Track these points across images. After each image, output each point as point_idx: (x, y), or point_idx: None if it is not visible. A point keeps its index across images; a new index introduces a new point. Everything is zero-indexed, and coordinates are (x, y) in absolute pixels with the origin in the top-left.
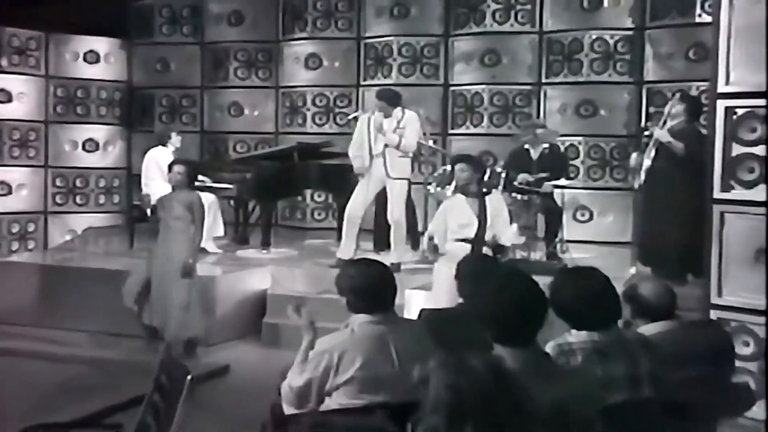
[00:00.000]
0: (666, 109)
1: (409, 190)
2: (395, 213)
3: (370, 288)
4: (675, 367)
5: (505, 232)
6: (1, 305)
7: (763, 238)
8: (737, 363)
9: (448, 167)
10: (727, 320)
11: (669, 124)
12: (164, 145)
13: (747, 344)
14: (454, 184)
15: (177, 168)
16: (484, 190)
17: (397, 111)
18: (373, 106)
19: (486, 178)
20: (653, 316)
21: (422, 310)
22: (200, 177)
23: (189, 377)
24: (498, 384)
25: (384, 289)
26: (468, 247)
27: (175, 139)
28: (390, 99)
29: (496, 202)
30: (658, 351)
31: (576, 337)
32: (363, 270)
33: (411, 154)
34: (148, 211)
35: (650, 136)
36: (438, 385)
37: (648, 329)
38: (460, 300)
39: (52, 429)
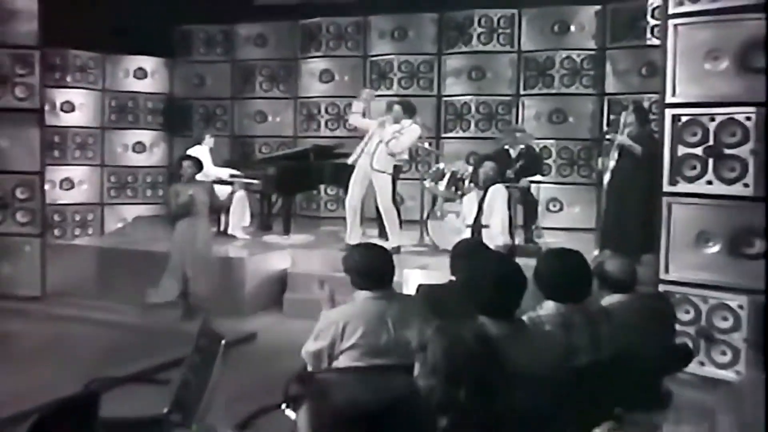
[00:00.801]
0: (621, 119)
1: (394, 184)
2: (383, 202)
3: (371, 268)
4: (629, 331)
5: (495, 224)
6: (67, 281)
7: (702, 224)
8: (678, 327)
9: (441, 165)
10: (673, 293)
11: (626, 130)
12: (200, 144)
13: (688, 312)
14: (447, 179)
15: (186, 163)
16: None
17: (405, 121)
18: (391, 112)
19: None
20: (616, 289)
21: (419, 285)
22: (232, 173)
23: (223, 341)
24: (484, 348)
25: (383, 269)
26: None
27: (209, 140)
28: (407, 109)
29: (495, 194)
30: (616, 318)
31: (545, 310)
32: (364, 252)
33: (396, 156)
34: None
35: (611, 140)
36: (435, 350)
37: (610, 300)
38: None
39: (112, 381)
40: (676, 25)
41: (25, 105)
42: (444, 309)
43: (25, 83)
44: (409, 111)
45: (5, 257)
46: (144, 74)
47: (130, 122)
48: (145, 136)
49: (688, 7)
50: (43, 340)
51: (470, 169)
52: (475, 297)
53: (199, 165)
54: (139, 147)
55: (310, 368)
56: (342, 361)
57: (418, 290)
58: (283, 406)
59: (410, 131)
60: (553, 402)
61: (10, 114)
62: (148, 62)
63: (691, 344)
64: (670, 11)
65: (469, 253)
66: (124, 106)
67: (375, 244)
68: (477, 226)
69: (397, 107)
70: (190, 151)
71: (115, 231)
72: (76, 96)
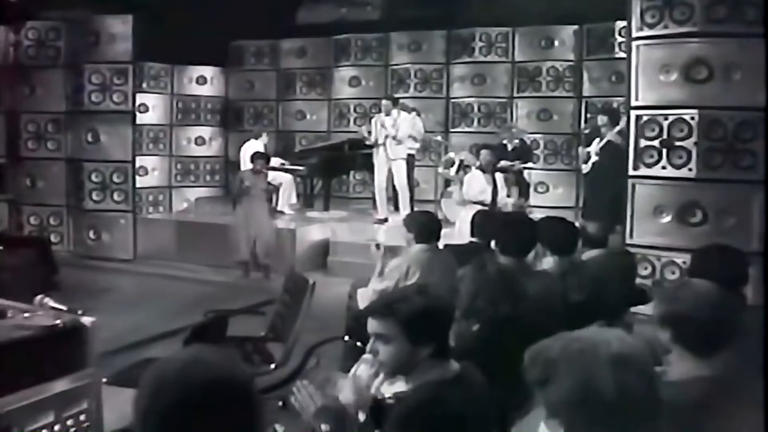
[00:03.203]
0: (598, 121)
1: (408, 167)
2: (399, 182)
3: (427, 228)
4: (603, 276)
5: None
6: (152, 247)
7: (658, 200)
8: (639, 279)
9: (452, 154)
10: (635, 253)
11: (603, 129)
12: (257, 139)
13: (646, 268)
14: (456, 165)
15: (259, 162)
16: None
17: (395, 112)
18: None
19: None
20: (593, 246)
21: (446, 245)
22: (281, 161)
23: (312, 282)
24: (502, 276)
25: (434, 228)
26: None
27: (264, 137)
28: (392, 101)
29: (473, 176)
30: (594, 267)
31: (545, 262)
32: (422, 216)
33: (408, 143)
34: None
35: (588, 134)
36: (467, 284)
37: (590, 254)
38: (473, 239)
39: (224, 312)
40: (638, 46)
41: (120, 108)
42: (466, 260)
43: (121, 90)
44: (393, 102)
45: (105, 228)
46: (204, 81)
47: (193, 120)
48: (205, 131)
49: (646, 32)
50: (138, 292)
51: (457, 157)
52: (496, 243)
53: (267, 158)
54: (200, 140)
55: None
56: None
57: (445, 247)
58: (346, 337)
59: (404, 119)
60: (548, 323)
61: (109, 115)
62: (208, 71)
63: (647, 290)
64: (634, 35)
65: (489, 218)
66: (188, 107)
67: (429, 211)
68: (493, 203)
69: (385, 102)
70: (246, 145)
71: (182, 209)
72: (150, 99)
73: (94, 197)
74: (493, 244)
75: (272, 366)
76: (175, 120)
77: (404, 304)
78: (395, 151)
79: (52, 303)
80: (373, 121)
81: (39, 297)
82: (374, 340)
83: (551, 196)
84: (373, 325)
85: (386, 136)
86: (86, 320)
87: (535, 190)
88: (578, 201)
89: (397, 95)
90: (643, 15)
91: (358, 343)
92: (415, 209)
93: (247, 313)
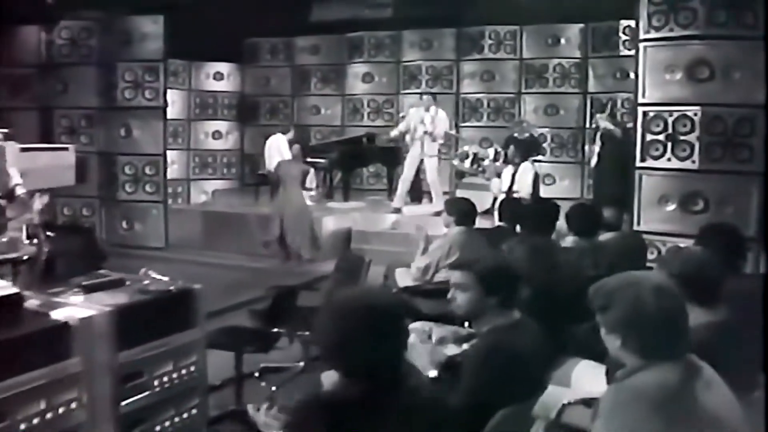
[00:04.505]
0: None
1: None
2: (431, 177)
3: (463, 212)
4: (616, 256)
5: (523, 188)
6: (182, 235)
7: (663, 190)
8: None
9: (466, 147)
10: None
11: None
12: (283, 133)
13: (652, 253)
14: (470, 159)
15: (295, 146)
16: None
17: (433, 109)
18: (422, 104)
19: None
20: (608, 229)
21: (476, 228)
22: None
23: (369, 260)
24: (544, 248)
25: (472, 212)
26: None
27: (290, 133)
28: (432, 96)
29: (524, 169)
30: (607, 249)
31: (569, 242)
32: (462, 202)
33: (439, 140)
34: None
35: (595, 129)
36: (518, 255)
37: (606, 236)
38: (501, 222)
39: (284, 288)
40: (645, 47)
41: (152, 104)
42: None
43: (152, 87)
44: (434, 98)
45: (138, 218)
46: (221, 77)
47: (210, 115)
48: (222, 125)
49: (653, 35)
50: (179, 277)
51: (490, 150)
52: (524, 227)
53: (303, 148)
54: (217, 134)
55: (412, 281)
56: (443, 273)
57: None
58: None
59: (441, 118)
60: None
61: (141, 111)
62: (224, 67)
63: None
64: (641, 37)
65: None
66: (205, 102)
67: (467, 198)
68: (510, 192)
69: (426, 96)
70: (272, 139)
71: (201, 201)
72: (169, 94)
73: (127, 189)
74: (518, 227)
75: None
76: (193, 115)
77: (479, 262)
78: (430, 148)
79: (153, 274)
80: (411, 111)
81: (143, 270)
82: (454, 289)
83: (557, 187)
84: (455, 276)
85: (424, 132)
86: (195, 286)
87: (543, 182)
88: (583, 192)
89: (409, 91)
90: (649, 18)
91: None
92: (454, 196)
93: (305, 289)
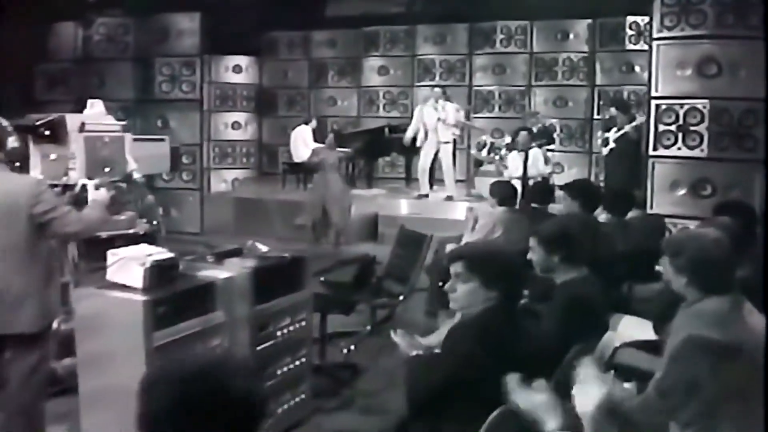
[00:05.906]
0: (612, 111)
1: (453, 151)
2: (446, 164)
3: (505, 194)
4: (637, 233)
5: (536, 169)
6: (215, 220)
7: (674, 176)
8: None
9: (483, 137)
10: None
11: (619, 121)
12: (306, 124)
13: (664, 234)
14: (487, 148)
15: (330, 135)
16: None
17: (441, 101)
18: (432, 96)
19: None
20: (633, 208)
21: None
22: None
23: (431, 235)
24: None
25: (511, 194)
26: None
27: (313, 123)
28: (444, 92)
29: (535, 154)
30: (633, 226)
31: (603, 219)
32: (504, 185)
33: (452, 128)
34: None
35: (607, 120)
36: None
37: (631, 214)
38: (534, 204)
39: (337, 262)
40: (658, 45)
41: (189, 96)
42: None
43: (189, 81)
44: (443, 91)
45: (176, 205)
46: (240, 69)
47: (230, 106)
48: (241, 116)
49: (665, 34)
50: None
51: (507, 139)
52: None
53: (338, 135)
54: (237, 125)
55: None
56: None
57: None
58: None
59: (450, 108)
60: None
61: (179, 103)
62: (243, 60)
63: None
64: (654, 35)
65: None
66: (225, 94)
67: (508, 181)
68: (525, 177)
69: (436, 89)
70: (298, 130)
71: (221, 189)
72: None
73: (164, 177)
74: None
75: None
76: (213, 106)
77: (471, 250)
78: (444, 134)
79: (260, 245)
80: (418, 108)
81: (250, 242)
82: (454, 280)
83: (566, 176)
84: (456, 266)
85: (437, 119)
86: (304, 254)
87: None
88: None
89: (423, 84)
90: (662, 19)
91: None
92: (497, 180)
93: (355, 263)
